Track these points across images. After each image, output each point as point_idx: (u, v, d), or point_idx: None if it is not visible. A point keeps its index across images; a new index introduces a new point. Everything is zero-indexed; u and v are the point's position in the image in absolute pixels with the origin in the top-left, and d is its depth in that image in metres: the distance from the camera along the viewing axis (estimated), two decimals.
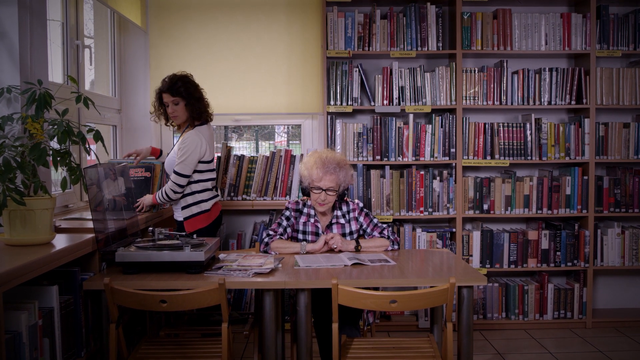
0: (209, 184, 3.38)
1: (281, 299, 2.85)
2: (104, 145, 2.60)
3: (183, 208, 3.32)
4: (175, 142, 3.48)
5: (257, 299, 3.13)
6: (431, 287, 2.37)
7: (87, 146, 2.51)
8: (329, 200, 3.10)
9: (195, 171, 3.28)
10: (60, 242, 2.45)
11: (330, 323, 2.45)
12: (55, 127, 2.36)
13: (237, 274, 2.53)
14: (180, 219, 3.34)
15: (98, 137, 2.58)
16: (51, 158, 2.33)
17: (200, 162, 3.28)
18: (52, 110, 2.49)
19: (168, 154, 3.47)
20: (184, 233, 2.85)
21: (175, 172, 3.23)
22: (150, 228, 2.85)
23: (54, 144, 2.47)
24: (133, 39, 4.42)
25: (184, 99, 3.31)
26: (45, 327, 2.16)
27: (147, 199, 3.31)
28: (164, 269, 2.59)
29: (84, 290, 2.45)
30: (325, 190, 3.08)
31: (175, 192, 3.23)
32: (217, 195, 3.47)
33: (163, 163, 3.54)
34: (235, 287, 2.45)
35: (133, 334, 3.05)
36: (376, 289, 2.94)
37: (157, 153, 3.64)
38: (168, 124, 3.48)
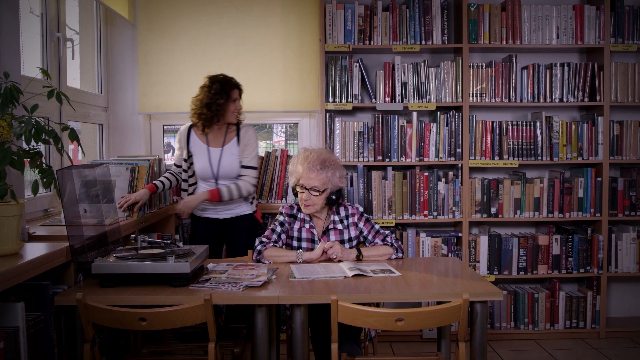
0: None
1: (276, 309, 2.62)
2: (79, 145, 2.36)
3: (252, 201, 3.52)
4: (205, 145, 3.44)
5: (249, 314, 2.88)
6: (439, 302, 2.14)
7: (61, 146, 2.27)
8: (313, 201, 2.88)
9: None
10: (32, 252, 2.21)
11: (329, 337, 2.21)
12: (23, 125, 2.11)
13: (226, 287, 2.29)
14: (251, 211, 3.50)
15: (73, 136, 2.34)
16: (17, 159, 2.08)
17: None
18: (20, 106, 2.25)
19: (213, 159, 3.40)
20: (169, 241, 2.61)
21: (252, 167, 3.40)
22: (133, 235, 2.61)
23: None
24: (120, 33, 4.18)
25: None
26: (8, 349, 1.92)
27: (191, 200, 3.32)
28: (146, 281, 2.35)
29: (56, 306, 2.21)
30: (308, 189, 2.86)
31: (254, 186, 3.44)
32: None
33: (151, 164, 3.31)
34: (224, 303, 2.22)
35: (116, 349, 2.82)
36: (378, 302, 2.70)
37: (154, 189, 3.28)
38: (208, 125, 3.36)
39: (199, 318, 2.10)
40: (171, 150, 5.09)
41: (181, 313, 2.08)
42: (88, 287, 2.32)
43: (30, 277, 2.06)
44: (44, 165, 2.23)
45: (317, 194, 2.88)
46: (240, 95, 3.45)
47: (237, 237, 3.48)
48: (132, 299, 2.21)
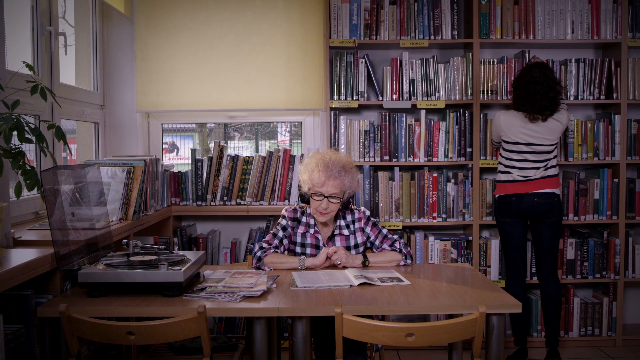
0: (505, 162, 3.60)
1: (277, 318, 2.46)
2: (65, 144, 2.21)
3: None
4: None
5: (247, 326, 2.72)
6: (449, 315, 1.97)
7: (45, 145, 2.11)
8: (331, 208, 2.69)
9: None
10: (14, 258, 2.06)
11: (333, 349, 2.05)
12: (2, 122, 1.96)
13: (223, 297, 2.13)
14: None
15: (59, 134, 2.19)
16: None
17: (503, 140, 3.58)
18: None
19: None
20: (163, 247, 2.45)
21: None
22: (125, 240, 2.45)
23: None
24: (117, 28, 4.03)
25: None
26: None
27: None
28: (137, 290, 2.19)
29: (39, 318, 2.05)
30: (327, 197, 2.67)
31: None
32: (510, 174, 3.57)
33: (147, 164, 3.16)
34: (219, 315, 2.06)
35: (108, 359, 2.66)
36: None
37: None
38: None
39: (192, 332, 1.94)
40: (175, 150, 4.96)
41: (172, 327, 1.92)
42: (74, 297, 2.17)
43: (11, 287, 1.91)
44: (27, 165, 2.08)
45: (336, 201, 2.70)
46: None
47: None
48: (120, 310, 2.05)
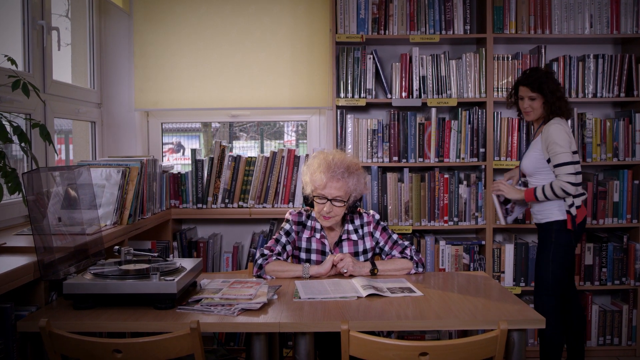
0: (579, 179, 3.10)
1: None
2: (51, 143, 2.05)
3: (571, 203, 3.08)
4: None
5: (246, 340, 2.56)
6: (463, 331, 1.80)
7: (26, 145, 1.95)
8: (335, 212, 2.52)
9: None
10: None
11: None
12: None
13: (219, 310, 1.96)
14: (561, 217, 3.09)
15: (44, 133, 2.03)
16: None
17: (572, 152, 3.09)
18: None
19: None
20: (155, 254, 2.29)
21: (560, 164, 3.01)
22: (116, 247, 2.29)
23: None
24: (114, 23, 3.87)
25: (543, 97, 3.12)
26: None
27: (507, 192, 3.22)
28: (127, 302, 2.03)
29: (20, 333, 1.89)
30: (330, 200, 2.51)
31: (571, 185, 3.00)
32: (585, 194, 3.18)
33: (143, 165, 3.00)
34: (214, 330, 1.89)
35: None
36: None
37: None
38: (519, 116, 3.37)
39: (184, 349, 1.77)
40: (181, 150, 4.82)
41: (163, 344, 1.75)
42: (59, 310, 2.00)
43: None
44: (8, 167, 1.92)
45: (341, 204, 2.53)
46: (534, 92, 3.14)
47: (540, 247, 3.23)
48: (108, 324, 1.88)
